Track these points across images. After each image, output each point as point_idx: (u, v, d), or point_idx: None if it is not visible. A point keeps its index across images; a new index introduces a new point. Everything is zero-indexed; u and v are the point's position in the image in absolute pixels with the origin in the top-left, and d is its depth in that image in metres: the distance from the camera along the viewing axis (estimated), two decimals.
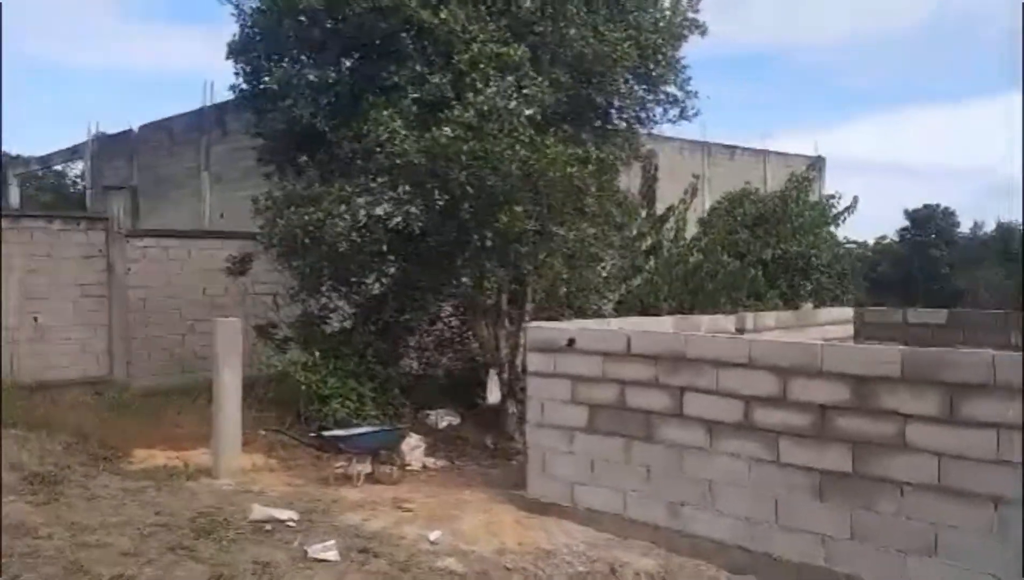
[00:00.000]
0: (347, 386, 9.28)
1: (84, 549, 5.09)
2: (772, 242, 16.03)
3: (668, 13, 9.55)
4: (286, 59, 9.52)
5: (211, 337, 7.79)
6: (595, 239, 9.75)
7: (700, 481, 6.04)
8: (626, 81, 9.60)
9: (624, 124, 10.34)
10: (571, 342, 6.79)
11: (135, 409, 9.80)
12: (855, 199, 18.21)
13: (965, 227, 47.64)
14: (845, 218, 18.34)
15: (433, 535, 5.90)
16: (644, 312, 12.87)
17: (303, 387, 9.14)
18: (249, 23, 9.70)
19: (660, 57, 9.61)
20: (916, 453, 5.09)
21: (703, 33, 9.67)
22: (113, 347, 12.36)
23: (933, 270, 42.37)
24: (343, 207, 8.53)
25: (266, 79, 9.35)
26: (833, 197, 18.05)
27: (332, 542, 5.47)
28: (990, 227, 49.03)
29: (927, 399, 5.05)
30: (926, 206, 46.08)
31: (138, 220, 18.01)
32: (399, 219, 8.94)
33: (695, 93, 10.09)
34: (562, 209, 8.61)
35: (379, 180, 8.82)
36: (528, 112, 8.34)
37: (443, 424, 10.07)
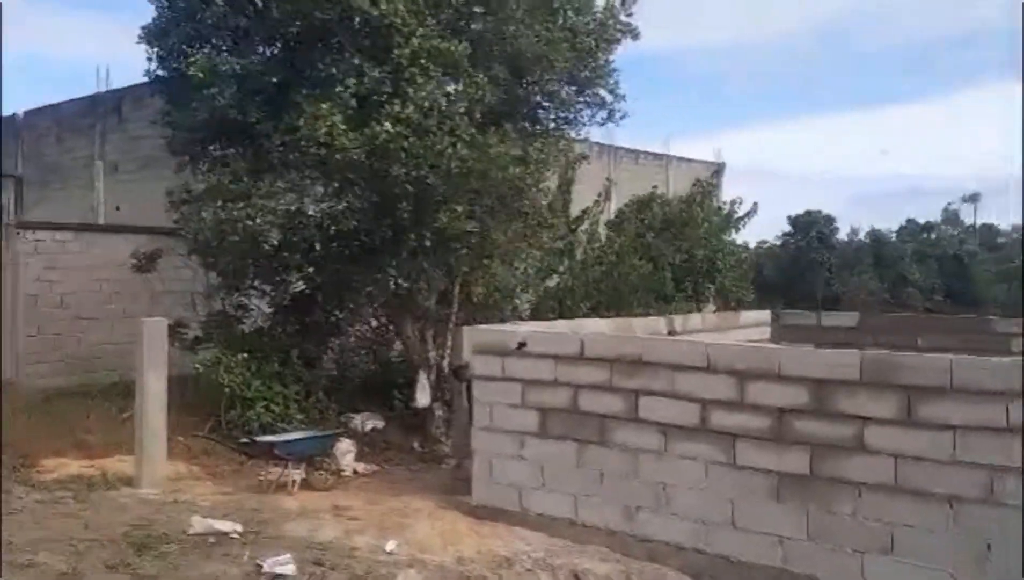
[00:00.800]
0: (272, 389, 8.90)
1: (17, 571, 4.65)
2: (680, 246, 16.41)
3: (602, 16, 9.56)
4: (208, 45, 9.06)
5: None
6: (524, 239, 9.69)
7: (655, 484, 6.05)
8: (559, 81, 9.57)
9: (553, 124, 10.31)
10: (522, 345, 6.69)
11: (36, 413, 9.11)
12: (755, 205, 18.88)
13: (843, 233, 50.01)
14: (746, 223, 19.03)
15: (389, 545, 5.70)
16: (562, 314, 12.93)
17: (225, 390, 8.70)
18: (167, 5, 9.19)
19: (591, 60, 9.62)
20: (874, 455, 5.23)
21: (635, 37, 9.74)
22: (1, 345, 11.49)
23: (814, 274, 44.36)
24: (273, 202, 8.16)
25: (185, 66, 8.84)
26: (735, 202, 18.66)
27: (287, 555, 5.20)
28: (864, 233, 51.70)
29: (885, 402, 5.19)
30: (808, 212, 48.15)
31: (23, 211, 16.86)
32: (331, 217, 8.62)
33: (623, 96, 10.15)
34: (501, 209, 8.50)
35: (311, 175, 8.49)
36: (462, 109, 8.18)
37: (368, 427, 9.79)
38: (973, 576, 4.90)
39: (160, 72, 9.37)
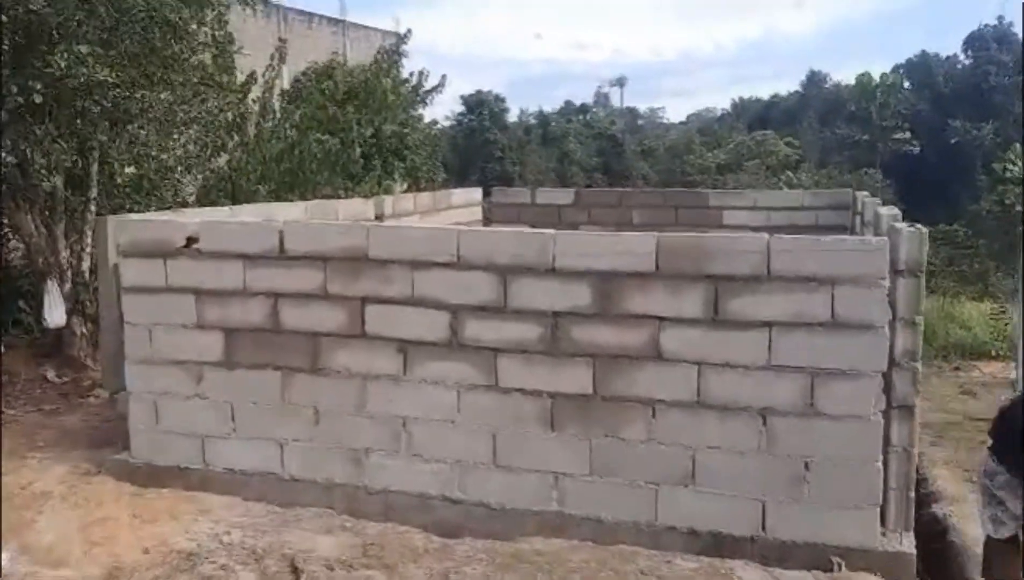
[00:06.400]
0: None
1: None
2: (366, 120, 14.79)
3: None
4: None
5: None
6: (185, 102, 7.43)
7: (391, 419, 4.56)
8: None
9: None
10: (192, 241, 4.75)
11: None
12: (444, 77, 17.65)
13: (514, 113, 50.87)
14: (433, 98, 17.75)
15: None
16: (235, 200, 10.80)
17: None
18: None
19: None
20: (673, 364, 4.14)
21: None
22: None
23: (488, 152, 44.68)
24: None
25: None
26: (423, 74, 17.27)
27: None
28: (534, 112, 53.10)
29: (687, 297, 4.08)
30: (479, 92, 48.17)
31: None
32: None
33: None
34: (150, 57, 6.19)
35: None
36: None
37: None
38: (788, 502, 4.05)
39: None
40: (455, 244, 4.36)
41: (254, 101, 12.41)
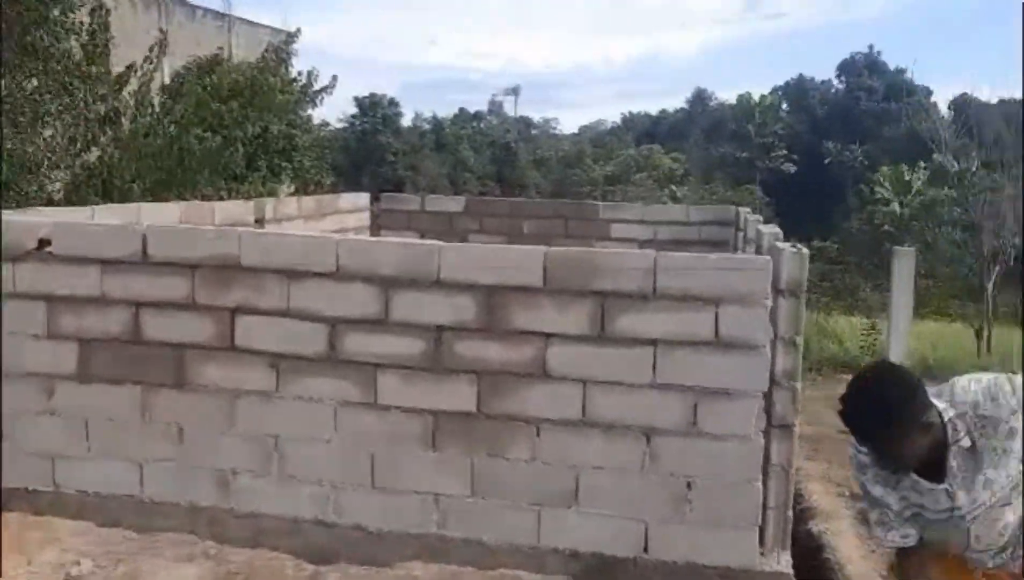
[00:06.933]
0: None
1: None
2: (252, 118, 14.30)
3: None
4: None
5: None
6: (52, 93, 6.93)
7: (262, 438, 4.30)
8: None
9: None
10: (44, 244, 4.36)
11: None
12: (334, 78, 17.33)
13: (408, 118, 50.50)
14: (323, 98, 17.37)
15: None
16: (108, 198, 10.19)
17: None
18: None
19: None
20: (558, 382, 4.04)
21: None
22: None
23: (380, 156, 44.15)
24: None
25: None
26: (312, 74, 16.88)
27: None
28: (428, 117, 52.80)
29: (573, 313, 3.99)
30: (372, 94, 47.61)
31: None
32: None
33: None
34: (11, 45, 5.71)
35: None
36: None
37: None
38: (671, 522, 4.01)
39: None
40: (334, 253, 4.14)
41: (130, 95, 11.77)
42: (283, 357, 4.23)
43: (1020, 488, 2.89)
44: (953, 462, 2.89)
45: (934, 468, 2.90)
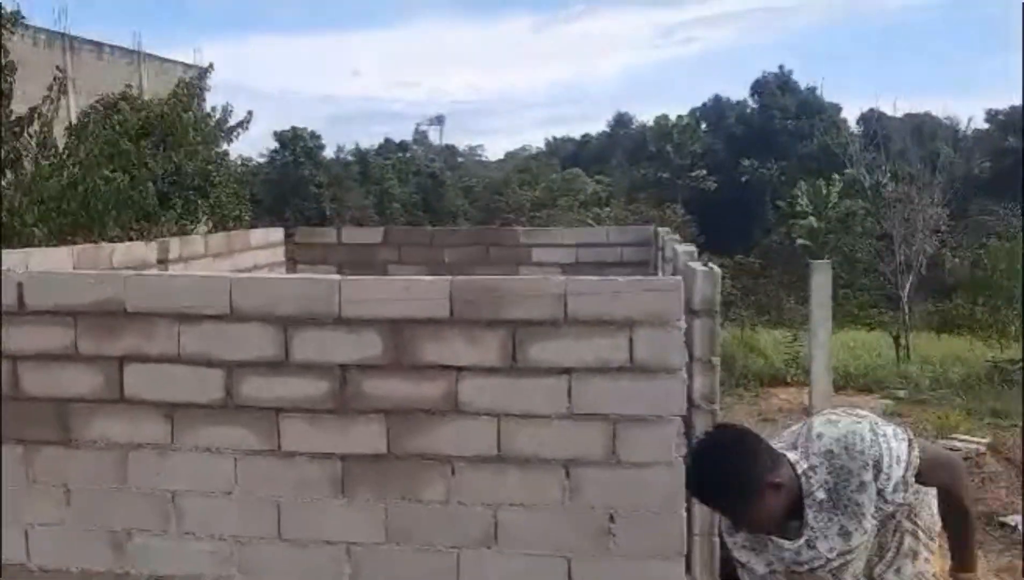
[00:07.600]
0: None
1: None
2: (164, 156, 13.93)
3: None
4: None
5: None
6: None
7: (158, 494, 4.01)
8: None
9: None
10: None
11: None
12: (250, 113, 17.15)
13: (330, 151, 50.05)
14: (239, 133, 17.10)
15: None
16: (8, 242, 9.72)
17: None
18: None
19: None
20: (471, 417, 3.85)
21: None
22: None
23: (303, 190, 43.55)
24: None
25: None
26: (227, 110, 16.62)
27: None
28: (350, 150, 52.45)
29: (484, 344, 3.83)
30: (294, 128, 47.03)
31: None
32: None
33: None
34: None
35: None
36: None
37: None
38: (594, 557, 3.86)
39: None
40: (227, 294, 3.90)
41: (30, 136, 11.31)
42: (177, 406, 3.96)
43: (870, 545, 2.84)
44: (809, 513, 2.79)
45: (799, 520, 2.82)
